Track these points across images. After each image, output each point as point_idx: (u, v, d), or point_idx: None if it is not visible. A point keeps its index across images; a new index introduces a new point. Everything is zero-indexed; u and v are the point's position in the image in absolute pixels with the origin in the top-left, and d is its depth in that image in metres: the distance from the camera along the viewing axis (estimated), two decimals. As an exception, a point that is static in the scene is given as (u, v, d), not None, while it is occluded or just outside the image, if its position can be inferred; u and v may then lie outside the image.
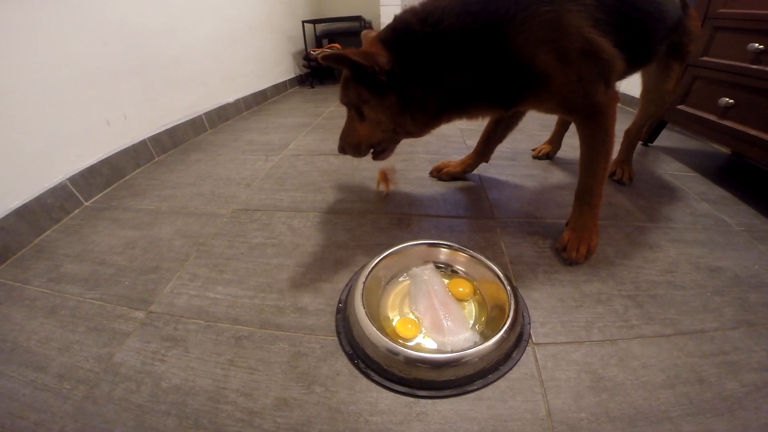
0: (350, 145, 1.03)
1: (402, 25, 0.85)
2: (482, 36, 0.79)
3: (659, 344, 0.76)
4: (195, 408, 0.66)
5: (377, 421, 0.64)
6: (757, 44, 1.25)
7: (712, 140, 1.55)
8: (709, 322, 0.82)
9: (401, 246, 0.94)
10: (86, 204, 1.39)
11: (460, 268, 0.93)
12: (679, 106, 1.62)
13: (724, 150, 1.82)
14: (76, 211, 1.34)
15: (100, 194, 1.46)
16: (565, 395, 0.67)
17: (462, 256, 0.93)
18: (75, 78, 1.37)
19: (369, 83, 0.87)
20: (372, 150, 1.05)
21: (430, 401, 0.67)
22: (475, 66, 0.82)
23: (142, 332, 0.83)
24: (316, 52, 3.32)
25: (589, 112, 0.89)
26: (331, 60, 0.80)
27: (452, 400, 0.67)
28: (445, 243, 0.96)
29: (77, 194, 1.36)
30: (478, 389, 0.68)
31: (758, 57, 1.26)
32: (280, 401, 0.67)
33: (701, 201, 1.32)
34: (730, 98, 1.36)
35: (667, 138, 1.95)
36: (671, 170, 1.57)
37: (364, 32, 1.06)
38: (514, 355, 0.73)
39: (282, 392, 0.69)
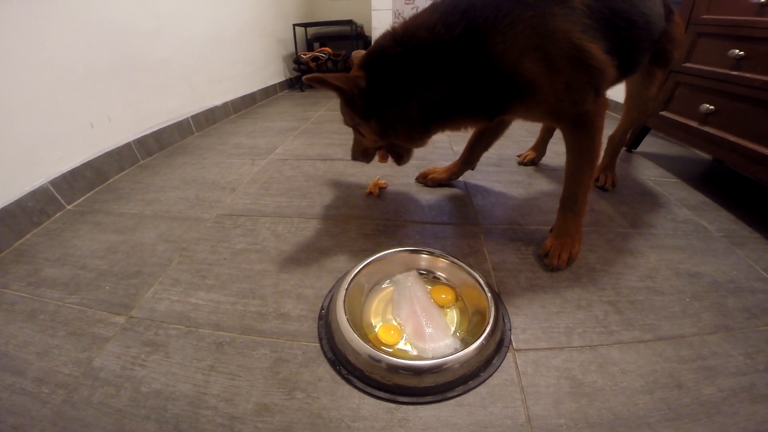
0: (360, 153, 1.12)
1: (377, 48, 0.87)
2: (458, 46, 0.78)
3: (638, 350, 0.77)
4: (175, 413, 0.66)
5: (359, 426, 0.64)
6: (737, 50, 1.27)
7: (693, 146, 1.57)
8: (687, 328, 0.83)
9: (384, 253, 0.94)
10: (68, 207, 1.37)
11: (442, 275, 0.94)
12: (662, 112, 1.64)
13: (706, 156, 1.85)
14: (57, 215, 1.32)
15: (83, 198, 1.44)
16: (545, 401, 0.67)
17: (443, 262, 0.94)
18: (58, 80, 1.36)
19: (356, 107, 0.90)
20: (390, 157, 1.13)
21: (411, 407, 0.67)
22: (451, 78, 0.82)
23: (122, 337, 0.82)
24: (307, 56, 3.32)
25: (576, 120, 0.88)
26: (313, 82, 0.81)
27: (433, 406, 0.67)
28: (426, 249, 0.96)
29: (59, 197, 1.34)
30: (458, 395, 0.68)
31: (738, 63, 1.28)
32: (261, 407, 0.67)
33: (682, 207, 1.34)
34: (711, 104, 1.37)
35: (650, 144, 1.97)
36: (653, 176, 1.59)
37: (354, 53, 1.07)
38: (494, 361, 0.74)
39: (263, 398, 0.68)
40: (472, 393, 0.69)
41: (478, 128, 1.31)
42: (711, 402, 0.67)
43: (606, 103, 0.90)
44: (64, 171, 1.38)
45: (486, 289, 0.81)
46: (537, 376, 0.72)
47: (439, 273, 0.94)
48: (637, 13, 0.91)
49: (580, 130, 0.91)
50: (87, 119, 1.49)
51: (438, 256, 0.95)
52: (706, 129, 1.40)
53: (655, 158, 1.81)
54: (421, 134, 0.95)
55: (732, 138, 1.29)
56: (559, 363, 0.74)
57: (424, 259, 0.95)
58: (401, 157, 1.11)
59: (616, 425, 0.63)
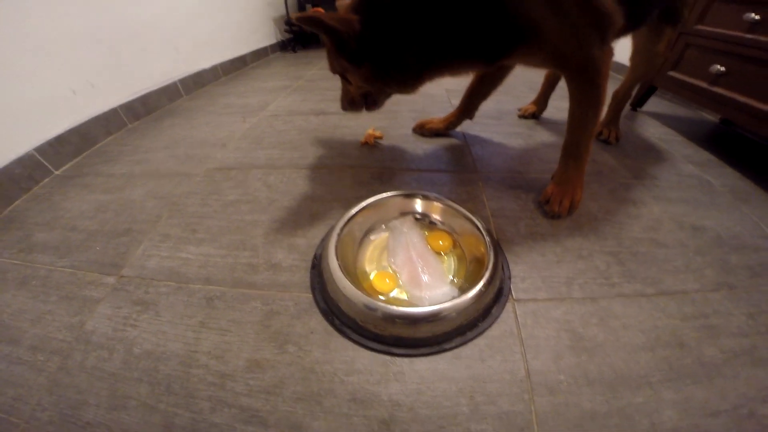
0: (348, 102, 1.06)
1: None
2: None
3: (640, 304, 0.75)
4: (166, 373, 0.65)
5: (353, 381, 0.62)
6: (753, 14, 1.24)
7: (701, 106, 1.56)
8: (690, 283, 0.81)
9: (377, 197, 0.91)
10: (56, 173, 1.34)
11: (437, 218, 0.91)
12: (670, 73, 1.61)
13: (712, 118, 1.81)
14: (45, 180, 1.29)
15: (70, 163, 1.40)
16: (545, 355, 0.66)
17: (438, 206, 0.91)
18: (34, 48, 1.30)
19: (347, 53, 0.85)
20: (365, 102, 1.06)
21: (407, 360, 0.65)
22: (453, 20, 0.77)
23: (113, 298, 0.80)
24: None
25: (581, 66, 0.86)
26: (305, 22, 0.76)
27: (430, 358, 0.65)
28: (422, 192, 0.94)
29: (46, 163, 1.31)
30: (456, 347, 0.67)
31: (753, 26, 1.26)
32: (252, 363, 0.66)
33: (687, 163, 1.31)
34: (722, 66, 1.36)
35: (656, 104, 1.93)
36: (658, 134, 1.56)
37: (338, 2, 1.02)
38: (493, 311, 0.72)
39: (254, 353, 0.67)
40: (470, 345, 0.67)
41: (478, 75, 1.28)
42: (712, 363, 0.65)
43: (612, 52, 0.90)
44: (50, 138, 1.34)
45: (485, 234, 0.79)
46: (537, 327, 0.70)
47: (435, 217, 0.92)
48: None
49: (585, 76, 0.88)
50: (68, 86, 1.44)
51: (433, 200, 0.92)
52: (716, 89, 1.39)
53: (661, 118, 1.76)
54: (415, 80, 0.90)
55: (741, 98, 1.28)
56: (560, 315, 0.73)
57: (419, 203, 0.93)
58: (374, 103, 1.06)
59: (616, 384, 0.62)
